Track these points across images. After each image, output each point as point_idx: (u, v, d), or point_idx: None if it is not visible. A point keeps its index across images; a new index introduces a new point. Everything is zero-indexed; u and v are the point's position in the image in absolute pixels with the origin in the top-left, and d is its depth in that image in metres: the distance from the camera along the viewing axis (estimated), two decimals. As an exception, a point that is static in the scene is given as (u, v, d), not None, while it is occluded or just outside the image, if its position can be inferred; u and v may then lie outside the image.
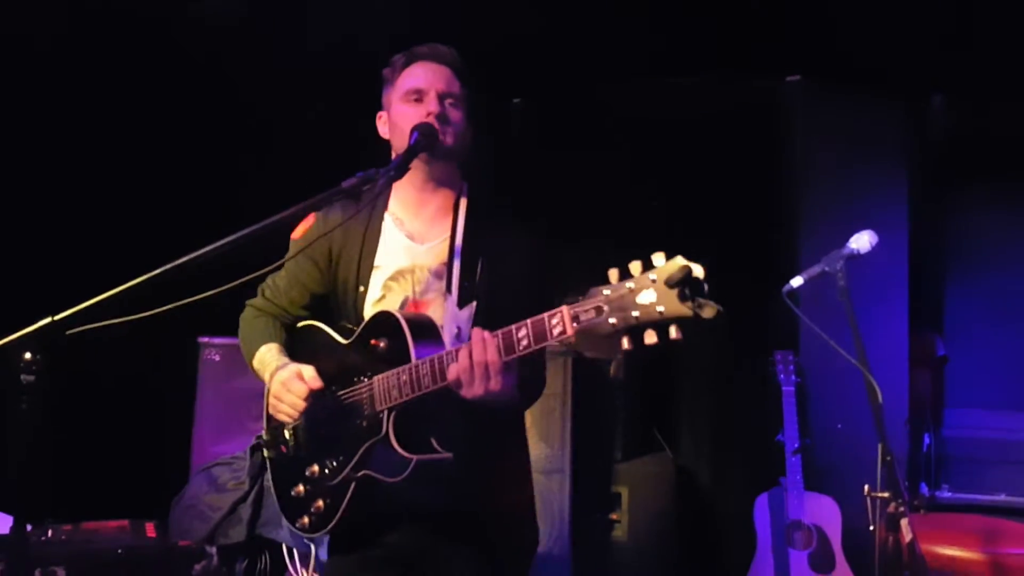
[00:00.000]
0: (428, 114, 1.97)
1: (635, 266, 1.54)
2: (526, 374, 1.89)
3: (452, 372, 1.77)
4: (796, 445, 3.75)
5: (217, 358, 4.08)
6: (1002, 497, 4.01)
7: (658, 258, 1.52)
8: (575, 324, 1.59)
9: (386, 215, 2.07)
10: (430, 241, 2.04)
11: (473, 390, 1.75)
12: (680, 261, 1.50)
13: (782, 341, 4.01)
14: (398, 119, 2.02)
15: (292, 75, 4.16)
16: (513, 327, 1.71)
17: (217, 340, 4.07)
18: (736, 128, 4.37)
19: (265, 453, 2.13)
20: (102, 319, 1.69)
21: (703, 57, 4.21)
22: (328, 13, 3.86)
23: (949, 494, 4.08)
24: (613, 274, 1.56)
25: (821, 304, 2.96)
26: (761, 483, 3.89)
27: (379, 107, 2.12)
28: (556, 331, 1.63)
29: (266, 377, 2.05)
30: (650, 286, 1.52)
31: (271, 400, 2.03)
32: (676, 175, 4.41)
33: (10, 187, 3.95)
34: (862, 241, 2.76)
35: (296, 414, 1.98)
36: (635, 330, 1.53)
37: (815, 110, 4.38)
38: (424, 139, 1.94)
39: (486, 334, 1.75)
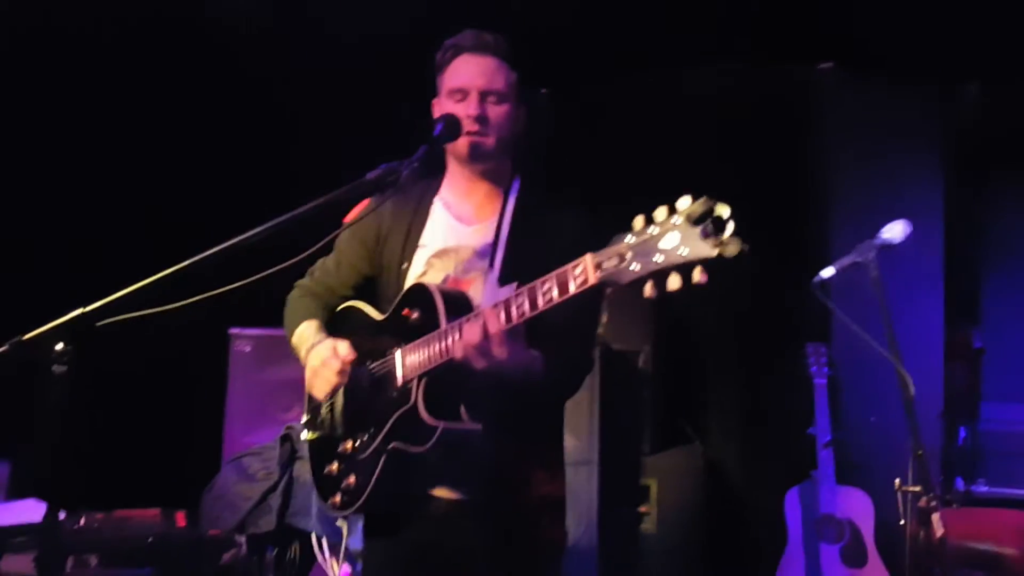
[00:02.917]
0: (468, 117, 1.98)
1: (660, 212, 1.51)
2: (553, 356, 1.87)
3: (457, 348, 1.77)
4: (828, 438, 3.72)
5: (248, 349, 4.11)
6: (1040, 492, 3.93)
7: (683, 201, 1.48)
8: (598, 272, 1.56)
9: (436, 199, 2.10)
10: (477, 223, 2.05)
11: (478, 361, 1.74)
12: (703, 199, 1.46)
13: (814, 333, 3.96)
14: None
15: (317, 67, 4.17)
16: (537, 282, 1.68)
17: (248, 331, 4.10)
18: (768, 117, 4.32)
19: (305, 435, 2.14)
20: (133, 310, 1.71)
21: (736, 46, 4.16)
22: (352, 5, 3.86)
23: (985, 488, 4.00)
24: (638, 221, 1.53)
25: (854, 295, 2.91)
26: (792, 476, 3.85)
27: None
28: (579, 280, 1.60)
29: (302, 353, 2.08)
30: (673, 229, 1.47)
31: (308, 375, 2.04)
32: (707, 164, 4.37)
33: (42, 180, 4.00)
34: (895, 231, 2.71)
35: (330, 389, 1.99)
36: (658, 275, 1.49)
37: (848, 98, 4.32)
38: (447, 130, 1.95)
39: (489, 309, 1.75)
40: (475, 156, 2.01)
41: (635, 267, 1.51)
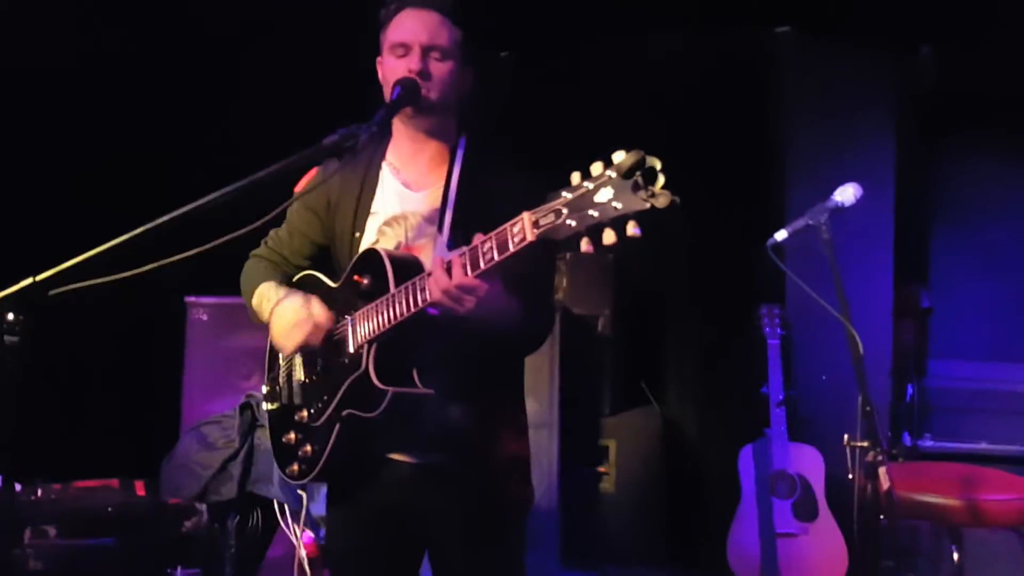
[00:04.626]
0: (409, 71, 1.95)
1: (596, 166, 1.52)
2: (530, 307, 1.89)
3: (434, 291, 1.75)
4: (781, 397, 3.79)
5: (205, 318, 4.07)
6: (982, 445, 4.06)
7: (618, 154, 1.49)
8: (535, 229, 1.57)
9: (384, 164, 2.07)
10: (425, 189, 2.04)
11: (456, 308, 1.74)
12: (634, 152, 1.47)
13: (768, 294, 4.03)
14: (386, 72, 2.02)
15: (273, 26, 4.10)
16: (477, 241, 1.69)
17: (204, 300, 4.06)
18: (723, 80, 4.35)
19: (265, 406, 2.14)
20: (86, 279, 1.69)
21: (692, 8, 4.16)
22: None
23: (931, 443, 4.13)
24: (575, 176, 1.53)
25: (807, 257, 2.97)
26: (746, 434, 3.94)
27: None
28: (517, 239, 1.60)
29: (265, 312, 2.05)
30: (607, 183, 1.48)
31: (281, 329, 2.00)
32: (664, 128, 4.39)
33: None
34: (847, 194, 2.75)
35: (302, 340, 1.97)
36: (593, 231, 1.50)
37: (803, 62, 4.35)
38: (405, 93, 1.93)
39: (452, 254, 1.75)
40: (417, 111, 1.97)
41: (571, 223, 1.52)
